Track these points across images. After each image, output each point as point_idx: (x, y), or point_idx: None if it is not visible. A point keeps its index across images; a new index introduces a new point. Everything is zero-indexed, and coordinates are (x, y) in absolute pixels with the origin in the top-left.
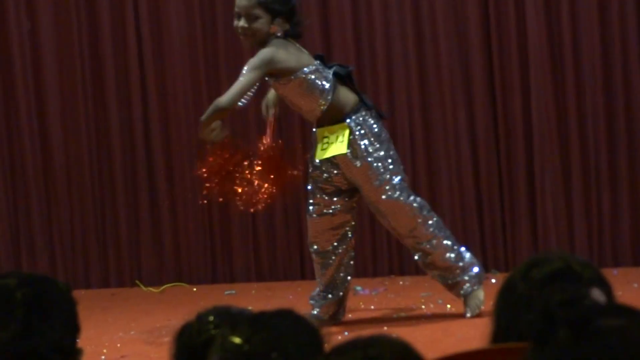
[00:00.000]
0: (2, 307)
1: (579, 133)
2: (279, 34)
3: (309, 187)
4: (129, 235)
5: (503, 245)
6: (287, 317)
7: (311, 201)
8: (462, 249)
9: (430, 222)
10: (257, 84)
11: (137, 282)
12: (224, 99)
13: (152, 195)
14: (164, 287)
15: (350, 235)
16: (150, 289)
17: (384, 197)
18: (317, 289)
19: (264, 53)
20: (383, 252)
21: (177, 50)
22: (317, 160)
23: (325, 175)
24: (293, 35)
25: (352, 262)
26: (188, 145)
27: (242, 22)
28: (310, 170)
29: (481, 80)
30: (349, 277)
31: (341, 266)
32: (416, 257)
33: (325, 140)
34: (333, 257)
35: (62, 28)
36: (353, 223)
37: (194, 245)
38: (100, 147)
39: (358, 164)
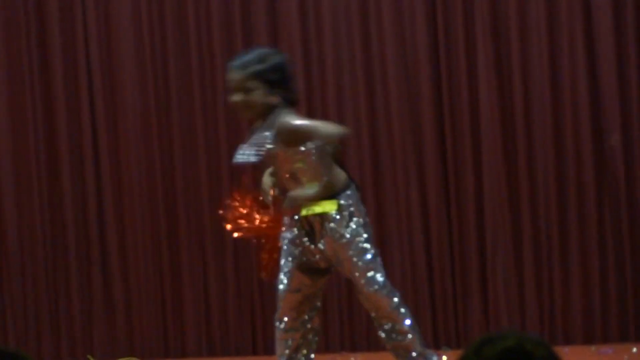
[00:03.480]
0: None
1: (530, 206)
2: (276, 103)
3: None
4: (81, 308)
5: (454, 321)
6: None
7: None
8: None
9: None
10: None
11: (88, 357)
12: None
13: (105, 269)
14: None
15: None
16: None
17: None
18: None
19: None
20: (334, 327)
21: (130, 121)
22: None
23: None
24: (292, 102)
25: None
26: (141, 215)
27: (237, 97)
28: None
29: (433, 151)
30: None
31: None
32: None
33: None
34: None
35: (15, 103)
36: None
37: (146, 318)
38: (53, 220)
39: (343, 240)
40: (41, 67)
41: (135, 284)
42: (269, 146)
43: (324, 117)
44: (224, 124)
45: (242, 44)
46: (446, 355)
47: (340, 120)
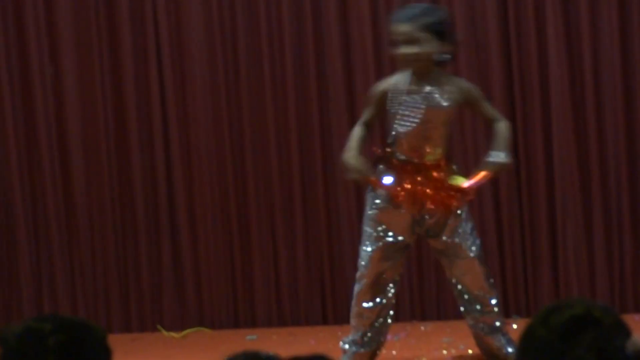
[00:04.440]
0: (34, 353)
1: (600, 176)
2: (446, 56)
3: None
4: (150, 280)
5: (524, 291)
6: None
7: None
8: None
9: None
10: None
11: (158, 327)
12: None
13: (175, 240)
14: (185, 332)
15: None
16: (172, 333)
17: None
18: (354, 332)
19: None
20: (404, 297)
21: (199, 93)
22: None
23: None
24: (449, 59)
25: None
26: (210, 186)
27: (409, 49)
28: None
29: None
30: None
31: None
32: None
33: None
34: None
35: (84, 67)
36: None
37: (215, 289)
38: (122, 190)
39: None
40: (110, 39)
41: (204, 254)
42: (445, 104)
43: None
44: (293, 94)
45: (311, 12)
46: (516, 324)
47: None
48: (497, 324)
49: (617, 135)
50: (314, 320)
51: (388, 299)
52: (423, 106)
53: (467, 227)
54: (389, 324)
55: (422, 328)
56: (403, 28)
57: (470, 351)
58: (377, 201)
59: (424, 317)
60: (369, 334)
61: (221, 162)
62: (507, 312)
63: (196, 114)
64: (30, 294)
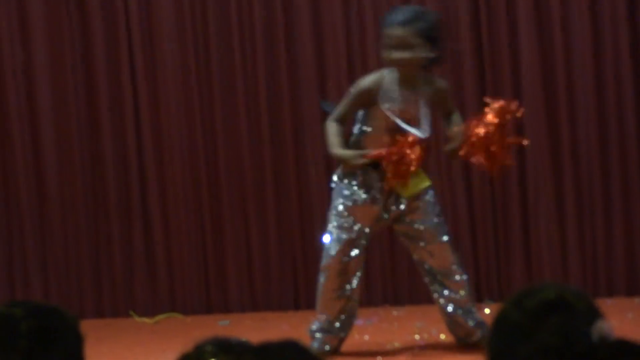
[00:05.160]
0: (5, 338)
1: (572, 159)
2: (436, 60)
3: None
4: (123, 266)
5: (497, 275)
6: (292, 349)
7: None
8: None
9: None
10: None
11: (130, 312)
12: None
13: (147, 226)
14: (157, 317)
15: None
16: (144, 319)
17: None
18: (323, 319)
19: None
20: (376, 281)
21: (170, 79)
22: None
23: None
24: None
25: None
26: (181, 169)
27: (402, 54)
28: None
29: (474, 105)
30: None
31: (354, 295)
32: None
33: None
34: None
35: (55, 55)
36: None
37: (188, 275)
38: (94, 175)
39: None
40: (80, 22)
41: (176, 239)
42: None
43: None
44: (263, 75)
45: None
46: (489, 308)
47: None
48: (468, 306)
49: (588, 116)
50: (287, 306)
51: (353, 287)
52: (411, 102)
53: (435, 210)
54: (356, 310)
55: (395, 313)
56: (397, 32)
57: (442, 336)
58: (346, 193)
59: (396, 302)
60: (336, 323)
61: (193, 147)
62: (480, 296)
63: (168, 100)
64: (2, 279)
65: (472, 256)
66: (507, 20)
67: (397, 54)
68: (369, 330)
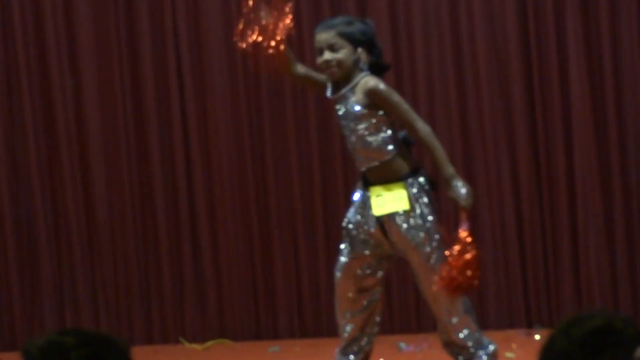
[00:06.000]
0: None
1: (621, 185)
2: (362, 67)
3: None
4: (172, 292)
5: (546, 300)
6: None
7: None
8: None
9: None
10: None
11: (180, 338)
12: (424, 126)
13: (196, 252)
14: (207, 344)
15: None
16: (194, 345)
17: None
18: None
19: (382, 85)
20: (426, 307)
21: (219, 101)
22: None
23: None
24: (379, 69)
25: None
26: (231, 196)
27: (326, 56)
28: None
29: (524, 133)
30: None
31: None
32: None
33: (380, 196)
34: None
35: (104, 77)
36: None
37: (237, 301)
38: (143, 201)
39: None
40: (129, 50)
41: (226, 266)
42: (357, 108)
43: (414, 94)
44: (312, 99)
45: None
46: (539, 334)
47: (429, 97)
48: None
49: (637, 143)
50: (336, 332)
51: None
52: (341, 113)
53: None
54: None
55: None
56: (322, 35)
57: None
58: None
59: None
60: (361, 343)
61: (242, 173)
62: (529, 321)
63: (216, 125)
64: (53, 305)
65: (521, 282)
66: (557, 50)
67: (322, 57)
68: (419, 357)
